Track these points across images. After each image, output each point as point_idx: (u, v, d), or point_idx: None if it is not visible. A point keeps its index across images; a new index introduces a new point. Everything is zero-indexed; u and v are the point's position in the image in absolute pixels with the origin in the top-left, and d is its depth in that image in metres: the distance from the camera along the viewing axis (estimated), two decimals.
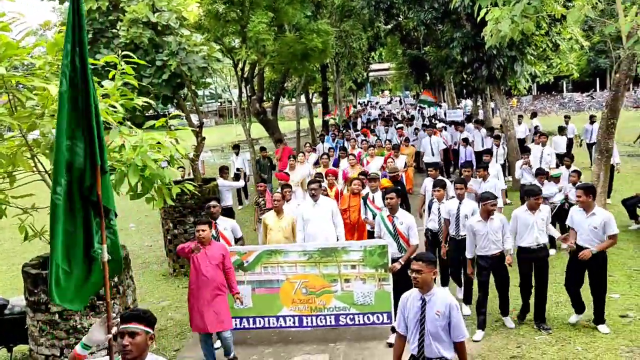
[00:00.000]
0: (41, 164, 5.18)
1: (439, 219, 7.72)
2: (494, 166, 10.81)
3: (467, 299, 7.34)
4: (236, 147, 15.33)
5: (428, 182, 9.24)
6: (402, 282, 5.88)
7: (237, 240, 7.23)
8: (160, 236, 10.96)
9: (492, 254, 6.54)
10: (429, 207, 8.22)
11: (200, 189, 9.28)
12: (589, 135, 15.19)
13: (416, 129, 19.24)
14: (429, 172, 9.45)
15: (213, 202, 7.20)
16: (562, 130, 14.86)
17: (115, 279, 5.54)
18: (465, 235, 6.89)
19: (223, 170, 11.67)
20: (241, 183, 12.72)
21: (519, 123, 17.34)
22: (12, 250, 12.24)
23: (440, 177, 8.82)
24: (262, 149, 15.18)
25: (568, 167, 9.89)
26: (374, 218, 7.79)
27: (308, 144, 15.80)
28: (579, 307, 6.67)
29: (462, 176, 9.14)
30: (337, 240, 7.33)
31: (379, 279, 6.42)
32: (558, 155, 11.95)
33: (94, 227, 3.45)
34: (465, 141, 14.69)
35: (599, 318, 6.48)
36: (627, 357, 5.87)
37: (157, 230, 11.98)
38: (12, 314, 6.50)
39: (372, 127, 20.39)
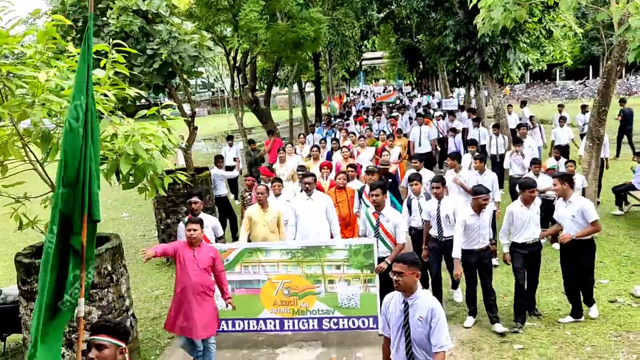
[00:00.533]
0: (32, 153, 5.16)
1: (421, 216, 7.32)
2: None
3: (455, 284, 7.25)
4: (230, 138, 14.92)
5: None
6: (389, 284, 5.48)
7: (217, 240, 7.02)
8: (153, 226, 10.98)
9: (479, 247, 6.34)
10: (408, 205, 7.57)
11: (192, 179, 9.28)
12: (581, 125, 14.92)
13: (410, 118, 18.62)
14: (412, 164, 9.08)
15: (194, 198, 6.86)
16: (562, 120, 13.43)
17: (109, 268, 5.55)
18: (449, 236, 6.59)
19: (218, 160, 11.43)
20: (235, 173, 12.36)
21: (509, 113, 16.48)
22: (4, 240, 12.21)
23: (415, 171, 8.20)
24: (251, 141, 14.43)
25: (557, 158, 9.71)
26: (368, 219, 7.44)
27: (302, 135, 15.33)
28: (576, 311, 6.49)
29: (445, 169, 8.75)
30: (332, 237, 7.03)
31: (364, 280, 6.03)
32: (559, 147, 11.30)
33: (70, 278, 3.28)
34: (454, 131, 14.33)
35: (588, 300, 6.49)
36: (616, 341, 5.96)
37: (150, 219, 11.97)
38: (5, 304, 6.52)
39: (366, 117, 19.80)
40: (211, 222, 7.01)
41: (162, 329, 7.04)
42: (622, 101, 15.86)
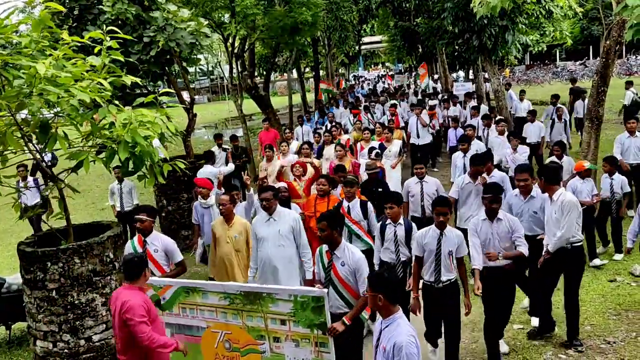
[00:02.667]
0: (32, 143, 5.18)
1: (397, 249, 5.72)
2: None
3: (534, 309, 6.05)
4: (218, 137, 12.31)
5: (412, 183, 7.60)
6: (347, 347, 4.58)
7: (176, 266, 5.67)
8: None
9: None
10: (381, 231, 5.82)
11: (193, 166, 9.31)
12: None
13: (412, 105, 16.09)
14: (415, 170, 7.65)
15: (141, 216, 5.56)
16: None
17: (111, 255, 5.60)
18: (450, 278, 5.09)
19: (209, 156, 9.76)
20: (230, 167, 10.32)
21: (521, 99, 14.91)
22: (7, 230, 12.29)
23: (391, 193, 6.36)
24: (233, 137, 12.24)
25: (559, 157, 8.30)
26: (350, 237, 6.18)
27: (287, 128, 13.40)
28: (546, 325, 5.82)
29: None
30: (304, 266, 5.76)
31: (315, 342, 4.45)
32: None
33: None
34: (455, 121, 13.21)
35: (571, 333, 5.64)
36: (615, 319, 6.02)
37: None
38: (10, 292, 6.59)
39: (368, 105, 17.27)
40: (163, 243, 5.60)
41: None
42: (629, 83, 15.52)
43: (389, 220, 5.74)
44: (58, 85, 4.48)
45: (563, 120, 12.01)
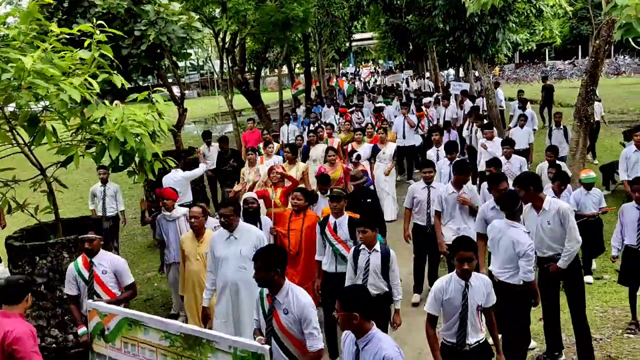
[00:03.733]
0: (20, 136, 5.13)
1: (365, 280, 4.89)
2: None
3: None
4: (207, 135, 11.38)
5: (418, 188, 6.92)
6: None
7: (126, 288, 5.07)
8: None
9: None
10: (354, 258, 4.95)
11: (185, 161, 9.25)
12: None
13: (402, 103, 14.56)
14: (423, 173, 6.95)
15: (88, 235, 4.89)
16: (551, 92, 12.83)
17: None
18: (479, 339, 4.12)
19: (183, 159, 8.93)
20: (201, 168, 8.85)
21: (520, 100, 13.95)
22: None
23: (366, 212, 5.38)
24: (222, 139, 11.09)
25: (552, 163, 7.78)
26: (335, 256, 5.47)
27: (266, 131, 12.15)
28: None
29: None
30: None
31: None
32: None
33: None
34: (447, 126, 12.34)
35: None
36: (601, 316, 6.10)
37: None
38: None
39: (361, 103, 16.93)
40: (111, 264, 5.01)
41: (154, 311, 7.10)
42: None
43: (363, 245, 4.92)
44: (47, 79, 4.44)
45: (562, 127, 10.75)
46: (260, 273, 3.79)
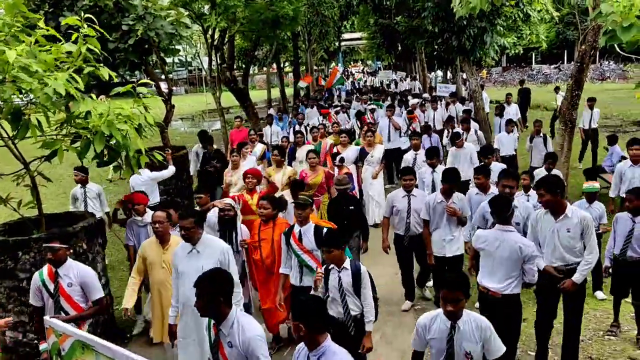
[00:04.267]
0: (4, 129, 5.06)
1: (343, 300, 4.47)
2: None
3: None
4: (204, 137, 10.87)
5: (397, 197, 6.62)
6: None
7: (93, 304, 4.66)
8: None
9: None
10: (325, 277, 4.54)
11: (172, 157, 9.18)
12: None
13: (389, 105, 14.23)
14: (403, 181, 6.64)
15: (51, 245, 4.50)
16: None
17: (84, 246, 5.51)
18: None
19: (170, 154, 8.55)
20: (170, 170, 8.31)
21: (508, 103, 14.24)
22: None
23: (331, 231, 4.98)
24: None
25: (549, 170, 7.76)
26: (301, 268, 5.24)
27: (253, 131, 11.45)
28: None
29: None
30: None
31: None
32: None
33: None
34: (427, 129, 11.82)
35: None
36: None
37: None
38: None
39: (348, 104, 16.59)
40: (80, 275, 4.61)
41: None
42: (557, 88, 16.22)
43: (332, 265, 4.49)
44: (31, 73, 4.38)
45: (542, 134, 10.59)
46: (202, 301, 3.37)
